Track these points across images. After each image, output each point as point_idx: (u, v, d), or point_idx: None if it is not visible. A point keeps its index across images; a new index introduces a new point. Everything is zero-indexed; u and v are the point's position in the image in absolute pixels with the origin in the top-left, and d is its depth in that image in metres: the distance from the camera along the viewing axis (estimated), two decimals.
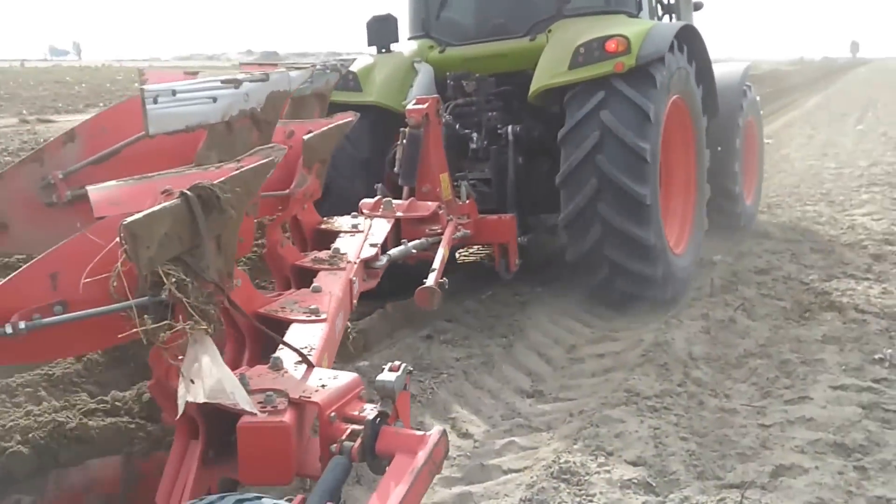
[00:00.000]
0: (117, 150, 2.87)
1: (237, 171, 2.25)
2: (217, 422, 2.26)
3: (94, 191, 2.21)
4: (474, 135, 5.57)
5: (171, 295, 1.99)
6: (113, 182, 2.29)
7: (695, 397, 3.94)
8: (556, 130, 5.16)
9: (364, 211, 4.22)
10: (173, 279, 1.99)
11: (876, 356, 4.24)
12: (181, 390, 1.99)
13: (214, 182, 2.12)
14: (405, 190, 4.87)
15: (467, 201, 5.11)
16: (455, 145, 5.47)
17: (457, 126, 5.55)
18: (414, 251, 4.21)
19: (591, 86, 5.03)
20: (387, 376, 2.27)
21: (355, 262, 3.40)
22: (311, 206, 3.68)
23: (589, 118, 4.97)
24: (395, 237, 4.23)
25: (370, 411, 2.23)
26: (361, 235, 3.74)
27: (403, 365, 2.32)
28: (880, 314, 4.88)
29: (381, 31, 6.06)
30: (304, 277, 3.27)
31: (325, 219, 3.86)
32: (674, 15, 6.78)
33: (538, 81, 5.25)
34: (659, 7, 6.57)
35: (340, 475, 2.06)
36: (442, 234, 4.50)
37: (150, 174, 2.36)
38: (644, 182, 4.90)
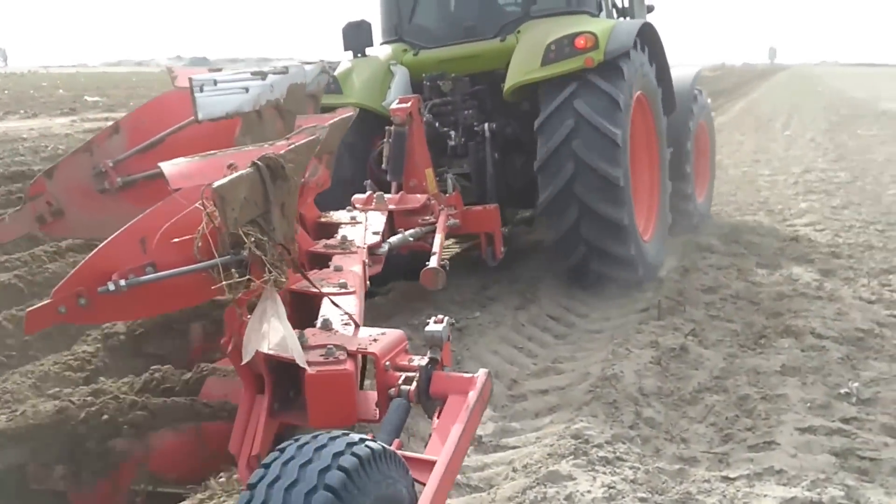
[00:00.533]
0: (161, 139, 3.10)
1: (293, 145, 2.49)
2: (281, 377, 2.53)
3: (168, 166, 2.41)
4: (452, 132, 5.79)
5: (250, 254, 2.24)
6: (182, 159, 2.49)
7: (649, 443, 3.55)
8: (530, 126, 5.48)
9: (357, 205, 4.42)
10: (252, 239, 2.25)
11: (842, 390, 3.91)
12: (247, 340, 2.22)
13: (279, 153, 2.38)
14: (393, 185, 5.07)
15: (454, 193, 5.28)
16: (435, 142, 5.62)
17: (436, 124, 5.73)
18: (411, 239, 4.51)
19: (563, 78, 5.35)
20: (434, 327, 2.57)
21: (364, 247, 3.58)
22: (311, 200, 3.74)
23: (563, 107, 5.27)
24: (389, 228, 4.42)
25: (421, 359, 2.51)
26: (361, 226, 3.88)
27: (446, 318, 2.60)
28: (839, 339, 4.58)
29: (356, 36, 6.31)
30: (318, 262, 3.39)
31: (323, 213, 4.00)
32: (628, 17, 7.04)
33: (512, 78, 5.53)
34: (615, 10, 6.84)
35: (403, 415, 2.35)
36: (434, 223, 4.76)
37: (213, 151, 2.56)
38: (617, 165, 5.21)
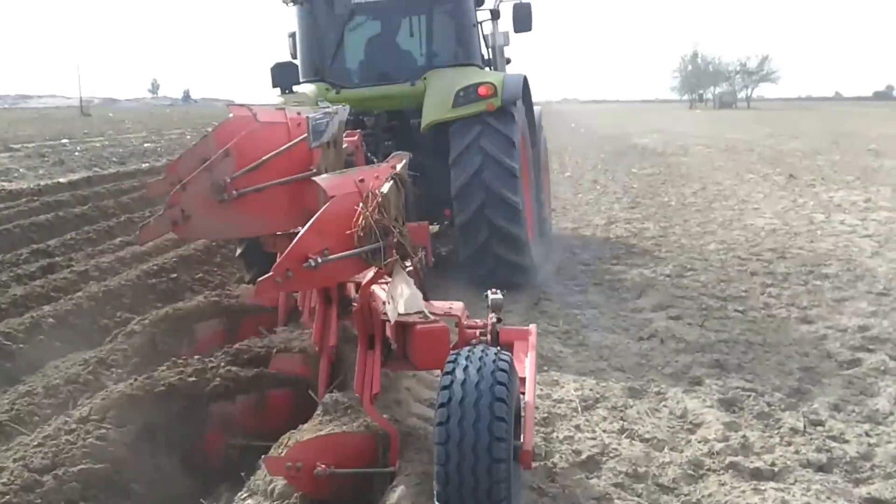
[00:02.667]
0: (265, 160, 3.98)
1: (398, 164, 3.40)
2: (385, 335, 3.56)
3: (321, 180, 3.31)
4: (374, 159, 6.37)
5: (395, 241, 3.11)
6: (325, 175, 3.44)
7: None
8: (438, 154, 6.87)
9: None
10: (397, 230, 3.13)
11: None
12: (389, 306, 3.15)
13: (397, 169, 3.34)
14: None
15: None
16: None
17: (366, 153, 6.43)
18: None
19: (468, 122, 6.75)
20: (496, 295, 3.58)
21: None
22: None
23: (472, 146, 6.67)
24: None
25: (488, 319, 3.60)
26: None
27: (498, 291, 3.62)
28: None
29: (285, 75, 7.43)
30: None
31: None
32: (492, 67, 8.37)
33: (429, 117, 6.95)
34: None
35: None
36: None
37: (342, 170, 3.70)
38: (517, 193, 6.65)
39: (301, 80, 7.52)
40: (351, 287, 3.98)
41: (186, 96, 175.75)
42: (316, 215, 3.11)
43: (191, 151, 4.28)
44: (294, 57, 7.83)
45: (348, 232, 3.08)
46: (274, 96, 7.29)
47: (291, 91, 7.39)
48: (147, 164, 19.72)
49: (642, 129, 41.45)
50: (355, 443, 3.37)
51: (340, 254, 3.07)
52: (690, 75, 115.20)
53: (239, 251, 7.07)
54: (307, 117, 3.90)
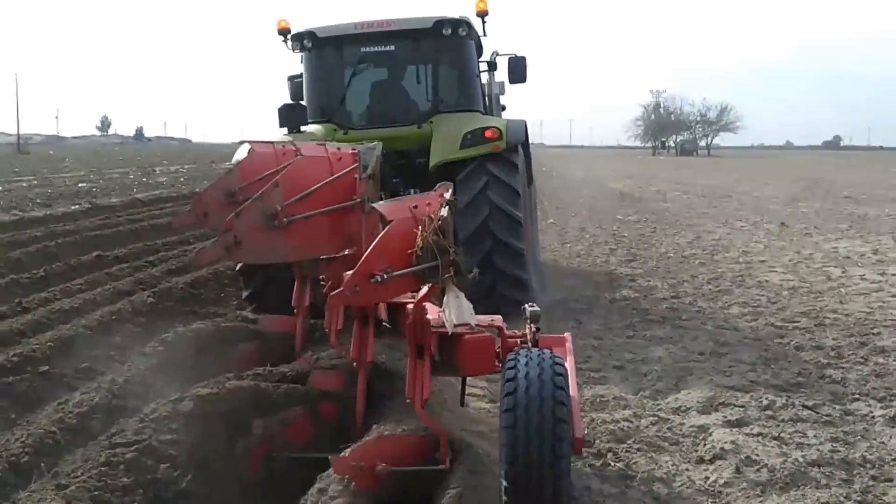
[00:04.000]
0: (313, 190, 4.33)
1: (446, 192, 3.69)
2: (434, 346, 3.79)
3: (379, 206, 3.68)
4: (383, 196, 6.51)
5: (451, 259, 3.36)
6: (381, 202, 3.81)
7: None
8: None
9: None
10: (453, 249, 3.37)
11: None
12: (445, 316, 3.40)
13: (448, 197, 3.63)
14: None
15: None
16: None
17: None
18: None
19: (475, 172, 7.18)
20: (535, 308, 3.99)
21: None
22: None
23: (479, 196, 7.05)
24: None
25: (527, 329, 3.98)
26: None
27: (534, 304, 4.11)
28: None
29: (293, 115, 7.73)
30: None
31: None
32: (491, 113, 8.87)
33: (437, 156, 7.42)
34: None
35: None
36: None
37: (396, 198, 3.91)
38: (521, 239, 7.20)
39: (309, 120, 7.80)
40: (382, 308, 4.38)
41: (139, 134, 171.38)
42: (378, 237, 3.46)
43: (215, 184, 4.62)
44: (293, 99, 8.28)
45: (409, 251, 3.39)
46: (280, 135, 7.48)
47: (299, 131, 7.61)
48: (77, 206, 17.90)
49: (614, 175, 40.93)
50: (410, 443, 3.71)
51: (402, 271, 3.37)
52: (653, 124, 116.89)
53: (246, 294, 7.29)
54: (359, 151, 4.55)
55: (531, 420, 3.08)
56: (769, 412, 5.00)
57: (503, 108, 9.66)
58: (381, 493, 3.51)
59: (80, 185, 26.32)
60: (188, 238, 13.13)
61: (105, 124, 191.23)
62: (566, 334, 4.50)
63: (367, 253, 3.40)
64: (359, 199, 4.46)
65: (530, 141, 8.69)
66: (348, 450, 3.52)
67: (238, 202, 4.38)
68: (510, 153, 7.28)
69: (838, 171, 45.56)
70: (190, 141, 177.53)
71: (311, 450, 3.94)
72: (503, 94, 9.58)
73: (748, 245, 13.11)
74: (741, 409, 5.00)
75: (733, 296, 8.81)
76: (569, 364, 3.85)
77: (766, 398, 5.23)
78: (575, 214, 19.03)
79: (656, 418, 4.94)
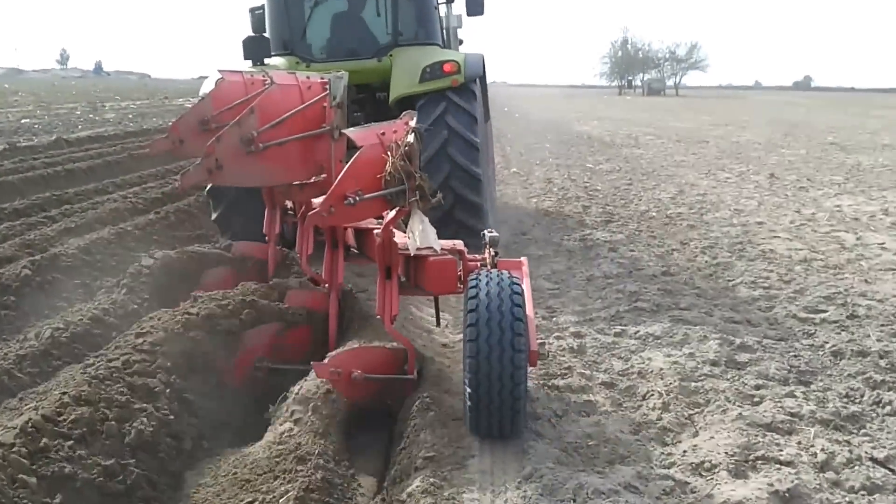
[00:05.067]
0: (287, 117, 4.52)
1: (411, 121, 3.99)
2: (401, 267, 4.24)
3: (350, 132, 4.10)
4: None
5: (417, 184, 3.66)
6: (351, 129, 4.17)
7: None
8: None
9: None
10: (419, 175, 3.67)
11: None
12: (409, 240, 3.83)
13: (413, 124, 3.88)
14: None
15: None
16: None
17: None
18: None
19: (434, 98, 7.20)
20: (493, 233, 4.39)
21: None
22: None
23: (438, 121, 7.06)
24: None
25: (486, 253, 4.34)
26: None
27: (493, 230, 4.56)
28: None
29: (256, 47, 7.69)
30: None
31: None
32: (449, 46, 8.96)
33: (397, 91, 7.39)
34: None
35: None
36: None
37: (364, 125, 4.39)
38: (478, 164, 7.12)
39: (272, 53, 7.82)
40: (350, 233, 4.81)
41: (98, 68, 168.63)
42: (349, 162, 3.80)
43: (190, 112, 4.89)
44: (255, 32, 8.16)
45: (378, 176, 3.71)
46: (246, 67, 7.37)
47: (263, 63, 7.63)
48: (2, 146, 15.81)
49: (579, 116, 39.19)
50: (382, 355, 4.20)
51: (372, 194, 3.69)
52: (620, 61, 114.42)
53: (214, 215, 7.43)
54: (328, 80, 4.67)
55: (492, 333, 3.48)
56: (829, 472, 3.50)
57: (461, 41, 10.00)
58: (356, 398, 4.00)
59: (23, 120, 24.14)
60: (105, 187, 11.32)
61: (64, 57, 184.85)
62: (523, 258, 4.99)
63: (339, 176, 3.76)
64: (328, 127, 4.62)
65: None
66: (328, 357, 4.03)
67: (211, 130, 4.67)
68: (469, 84, 7.36)
69: (813, 114, 44.29)
70: (149, 76, 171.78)
71: (291, 362, 4.41)
72: (460, 27, 9.80)
73: (739, 202, 11.58)
74: (791, 471, 3.46)
75: (736, 271, 7.28)
76: (525, 285, 4.30)
77: (819, 445, 3.73)
78: (540, 162, 17.21)
79: (670, 483, 3.40)
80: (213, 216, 7.43)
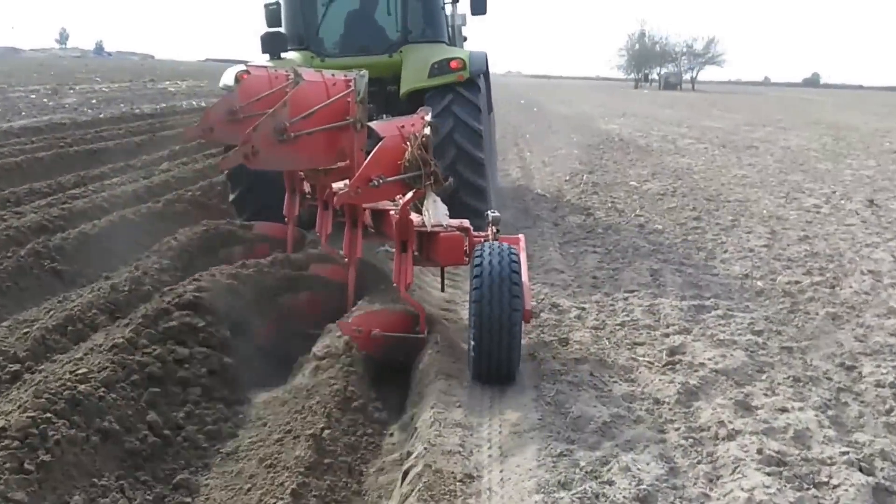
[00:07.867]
0: (316, 110, 4.97)
1: (426, 115, 4.79)
2: (415, 242, 4.99)
3: (374, 125, 4.82)
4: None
5: (432, 170, 4.46)
6: (374, 122, 4.99)
7: None
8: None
9: None
10: (433, 162, 4.45)
11: None
12: (424, 217, 4.67)
13: (429, 119, 4.70)
14: None
15: None
16: None
17: None
18: None
19: (441, 90, 7.85)
20: (495, 213, 5.22)
21: None
22: None
23: (445, 110, 7.67)
24: None
25: (489, 230, 5.12)
26: None
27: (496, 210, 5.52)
28: None
29: (274, 42, 8.23)
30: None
31: None
32: (454, 43, 9.62)
33: (407, 85, 8.05)
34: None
35: None
36: None
37: (385, 118, 5.50)
38: (482, 150, 7.79)
39: (288, 48, 8.32)
40: (367, 214, 5.48)
41: (99, 48, 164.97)
42: (374, 150, 4.47)
43: (220, 103, 5.65)
44: (269, 25, 8.67)
45: (398, 162, 4.44)
46: (263, 61, 7.91)
47: (280, 58, 8.13)
48: None
49: (602, 112, 35.74)
50: (398, 315, 5.00)
51: (393, 178, 4.41)
52: (637, 54, 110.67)
53: (232, 197, 8.09)
54: (353, 78, 5.15)
55: (493, 294, 4.33)
56: None
57: (465, 38, 10.75)
58: (375, 353, 4.69)
59: None
60: None
61: (63, 37, 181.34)
62: (520, 235, 5.85)
63: (365, 163, 4.46)
64: (352, 120, 5.10)
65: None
66: (350, 317, 4.79)
67: (238, 119, 5.40)
68: (474, 78, 7.99)
69: (844, 113, 40.73)
70: (153, 57, 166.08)
71: (311, 326, 5.15)
72: (464, 25, 10.55)
73: (860, 251, 8.10)
74: None
75: None
76: (522, 257, 4.93)
77: None
78: (570, 178, 13.48)
79: None
80: (231, 197, 8.15)
